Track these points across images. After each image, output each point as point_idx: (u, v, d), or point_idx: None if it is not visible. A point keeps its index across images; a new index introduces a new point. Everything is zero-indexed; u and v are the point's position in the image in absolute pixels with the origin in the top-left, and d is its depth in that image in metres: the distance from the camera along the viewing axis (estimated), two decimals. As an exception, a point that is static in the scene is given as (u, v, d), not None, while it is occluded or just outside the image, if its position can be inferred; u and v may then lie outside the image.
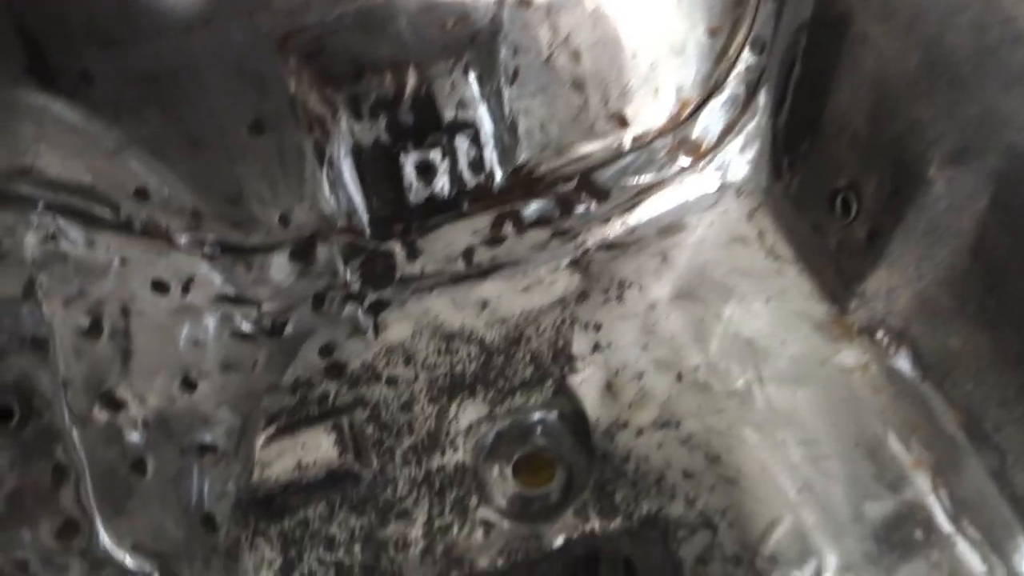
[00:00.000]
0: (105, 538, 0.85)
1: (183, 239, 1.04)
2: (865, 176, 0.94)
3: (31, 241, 0.91)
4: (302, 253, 1.09)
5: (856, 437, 0.95)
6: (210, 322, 1.04)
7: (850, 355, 0.99)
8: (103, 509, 0.86)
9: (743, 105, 1.09)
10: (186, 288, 1.03)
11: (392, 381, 1.07)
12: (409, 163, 1.07)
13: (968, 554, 0.87)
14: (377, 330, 1.11)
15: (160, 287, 1.01)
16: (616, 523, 0.95)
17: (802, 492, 0.92)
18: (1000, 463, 0.87)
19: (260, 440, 1.04)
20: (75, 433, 0.87)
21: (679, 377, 1.02)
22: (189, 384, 1.00)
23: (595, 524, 0.95)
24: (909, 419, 0.95)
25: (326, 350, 1.10)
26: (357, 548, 0.97)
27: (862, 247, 0.96)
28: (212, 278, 1.05)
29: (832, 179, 1.00)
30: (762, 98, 1.07)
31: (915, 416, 0.94)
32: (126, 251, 0.98)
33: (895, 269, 0.93)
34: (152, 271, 1.01)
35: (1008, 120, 0.83)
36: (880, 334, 0.98)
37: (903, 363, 0.96)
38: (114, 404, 0.92)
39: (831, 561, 0.89)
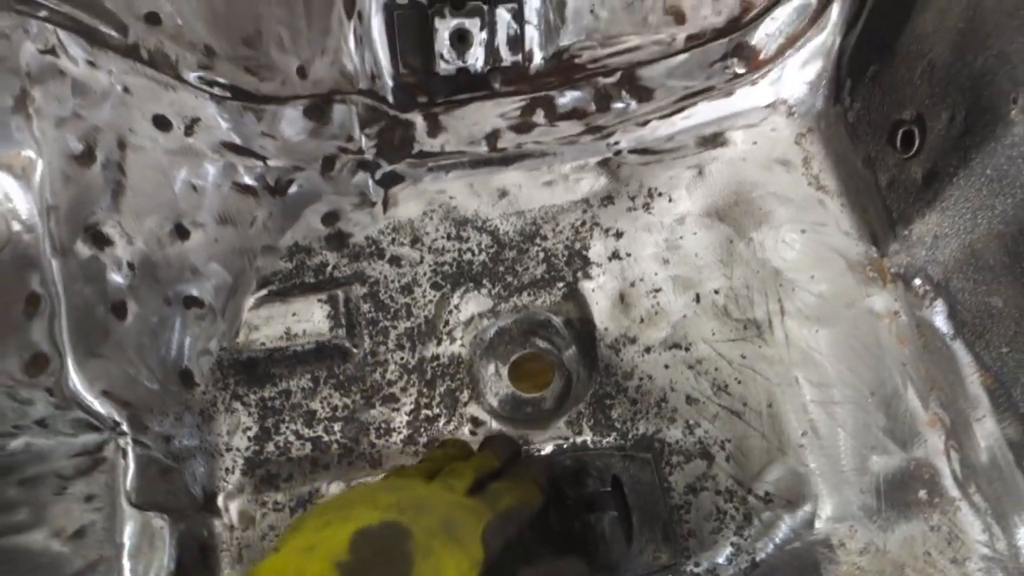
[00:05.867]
0: (75, 378, 0.80)
1: (192, 76, 0.95)
2: (935, 110, 0.86)
3: (29, 50, 0.83)
4: (317, 110, 1.01)
5: (873, 386, 0.90)
6: (211, 169, 0.98)
7: (881, 300, 0.93)
8: (76, 348, 0.81)
9: (813, 16, 0.99)
10: (190, 129, 0.96)
11: (396, 260, 1.02)
12: (444, 29, 0.98)
13: (970, 521, 0.83)
14: (387, 204, 1.05)
15: (162, 123, 0.94)
16: (609, 439, 0.91)
17: (808, 435, 0.88)
18: (1022, 434, 0.83)
19: (250, 301, 0.98)
20: (55, 264, 0.81)
21: (697, 298, 0.96)
22: (182, 232, 0.94)
23: (587, 437, 0.91)
24: (932, 375, 0.90)
25: (330, 217, 1.04)
26: (338, 427, 0.93)
27: (916, 187, 0.89)
28: (219, 123, 0.97)
29: (897, 109, 0.91)
30: (835, 11, 0.98)
31: (938, 373, 0.89)
32: (129, 79, 0.90)
33: (948, 215, 0.86)
34: (155, 105, 0.93)
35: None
36: (917, 282, 0.92)
37: (936, 316, 0.91)
38: (99, 239, 0.86)
39: (826, 509, 0.85)
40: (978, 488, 0.84)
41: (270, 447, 0.92)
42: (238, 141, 1.00)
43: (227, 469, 0.91)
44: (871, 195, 0.96)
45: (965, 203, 0.85)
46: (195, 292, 0.94)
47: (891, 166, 0.93)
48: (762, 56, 1.03)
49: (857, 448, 0.87)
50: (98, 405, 0.81)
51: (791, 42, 1.02)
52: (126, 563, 0.79)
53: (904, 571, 0.81)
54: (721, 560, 0.84)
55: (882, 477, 0.86)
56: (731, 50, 1.03)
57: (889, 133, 0.93)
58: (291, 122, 1.01)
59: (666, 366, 0.93)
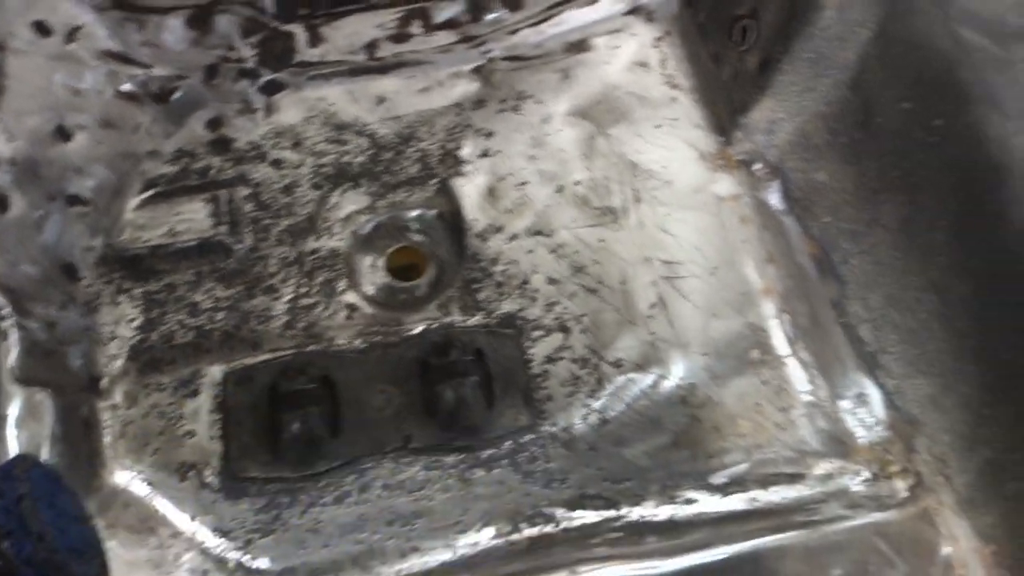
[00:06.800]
0: (-44, 263, 0.84)
1: (71, -15, 0.99)
2: (767, 3, 0.93)
3: (-103, -49, 0.87)
4: (199, 20, 1.05)
5: (716, 262, 0.97)
6: (92, 76, 1.01)
7: (725, 185, 1.01)
8: (-43, 235, 0.85)
9: (663, -75, 1.07)
10: (71, 36, 1.00)
11: (277, 163, 1.07)
12: (319, -59, 1.03)
13: (797, 374, 0.92)
14: (269, 111, 1.09)
15: (42, 29, 0.97)
16: (476, 319, 0.97)
17: (656, 307, 0.95)
18: (840, 293, 0.91)
19: (134, 202, 1.03)
20: (-67, 159, 0.85)
21: (560, 189, 1.03)
22: (64, 133, 0.98)
23: (456, 318, 0.97)
24: (768, 250, 0.97)
25: (214, 123, 1.08)
26: (220, 316, 0.98)
27: (753, 77, 0.96)
28: (98, 31, 1.01)
29: (738, 6, 0.99)
30: (684, -81, 1.05)
31: (774, 248, 0.97)
32: (6, -15, 0.94)
33: (779, 101, 0.94)
34: (35, 12, 0.97)
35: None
36: (758, 166, 1.00)
37: (772, 196, 0.98)
38: (-22, 136, 0.90)
39: (674, 371, 0.92)
40: (805, 346, 0.92)
41: (154, 336, 0.96)
42: (120, 49, 1.03)
43: (112, 356, 0.95)
44: (718, 90, 1.04)
45: (792, 87, 0.92)
46: (78, 191, 0.98)
47: (733, 60, 1.00)
48: (621, -35, 1.10)
49: (700, 317, 0.94)
50: (-20, 289, 0.85)
51: (648, -50, 1.09)
52: (10, 432, 0.83)
53: (736, 420, 0.89)
54: (576, 420, 0.91)
55: (722, 341, 0.93)
56: (593, -40, 1.09)
57: (730, 29, 1.00)
58: (173, 32, 1.05)
59: (529, 251, 1.00)
